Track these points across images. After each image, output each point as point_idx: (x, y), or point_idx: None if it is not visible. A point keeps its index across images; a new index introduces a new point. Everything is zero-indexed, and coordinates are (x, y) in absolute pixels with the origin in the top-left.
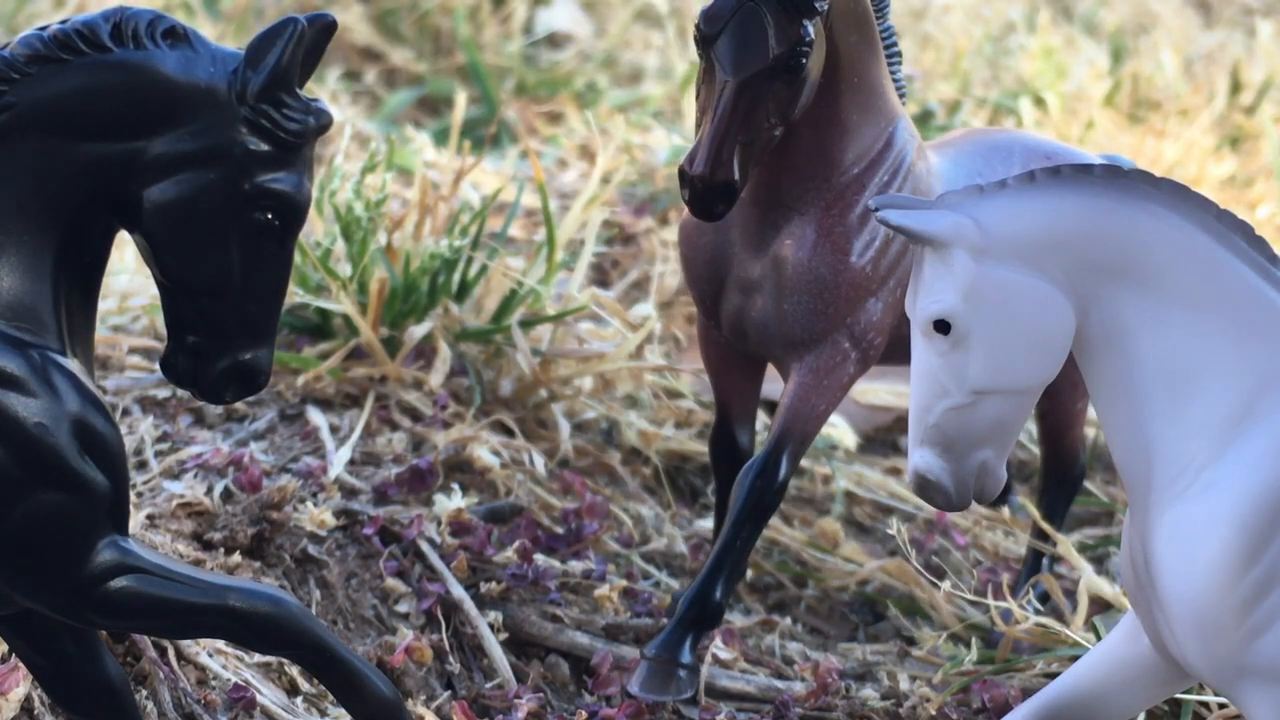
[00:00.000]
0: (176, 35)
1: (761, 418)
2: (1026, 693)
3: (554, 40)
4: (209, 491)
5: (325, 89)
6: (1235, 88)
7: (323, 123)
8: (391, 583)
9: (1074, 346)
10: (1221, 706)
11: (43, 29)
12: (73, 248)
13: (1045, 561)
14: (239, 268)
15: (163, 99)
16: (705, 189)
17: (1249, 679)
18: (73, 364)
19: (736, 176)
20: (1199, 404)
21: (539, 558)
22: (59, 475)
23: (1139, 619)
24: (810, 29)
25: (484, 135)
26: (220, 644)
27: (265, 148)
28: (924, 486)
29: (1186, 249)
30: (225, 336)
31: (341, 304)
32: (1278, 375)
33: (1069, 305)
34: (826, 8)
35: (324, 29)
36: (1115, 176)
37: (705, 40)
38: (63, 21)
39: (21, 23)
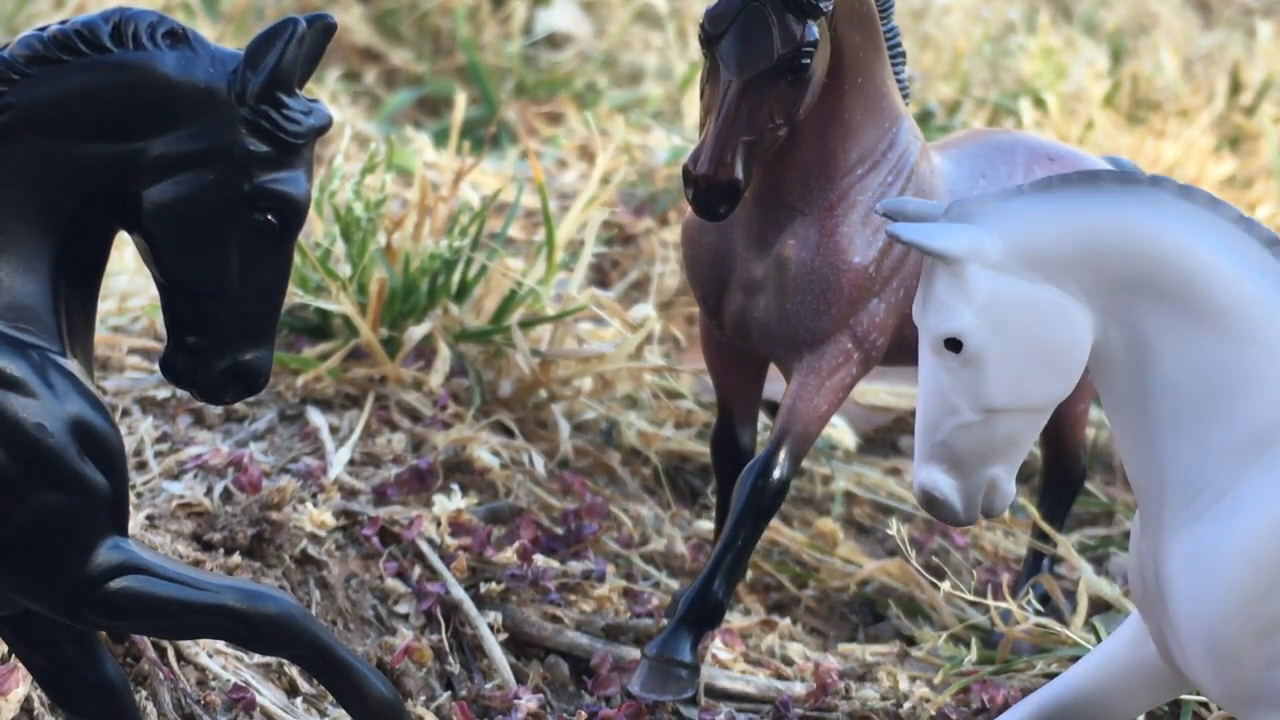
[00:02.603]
0: (176, 36)
1: (762, 418)
2: (1026, 693)
3: (554, 41)
4: (209, 492)
5: (325, 89)
6: (1235, 88)
7: (322, 123)
8: (391, 583)
9: (1089, 361)
10: (1222, 707)
11: (42, 30)
12: (72, 248)
13: (1045, 562)
14: (238, 268)
15: (162, 100)
16: (709, 189)
17: (1264, 706)
18: (72, 364)
19: (740, 176)
20: (1220, 423)
21: (539, 558)
22: (59, 476)
23: (1147, 628)
24: (814, 29)
25: (484, 136)
26: (220, 645)
27: (265, 148)
28: (931, 503)
29: (1213, 263)
30: (225, 337)
31: (341, 304)
32: None
33: (1087, 320)
34: (831, 8)
35: (323, 30)
36: (1142, 184)
37: (710, 40)
38: (62, 22)
39: (21, 23)
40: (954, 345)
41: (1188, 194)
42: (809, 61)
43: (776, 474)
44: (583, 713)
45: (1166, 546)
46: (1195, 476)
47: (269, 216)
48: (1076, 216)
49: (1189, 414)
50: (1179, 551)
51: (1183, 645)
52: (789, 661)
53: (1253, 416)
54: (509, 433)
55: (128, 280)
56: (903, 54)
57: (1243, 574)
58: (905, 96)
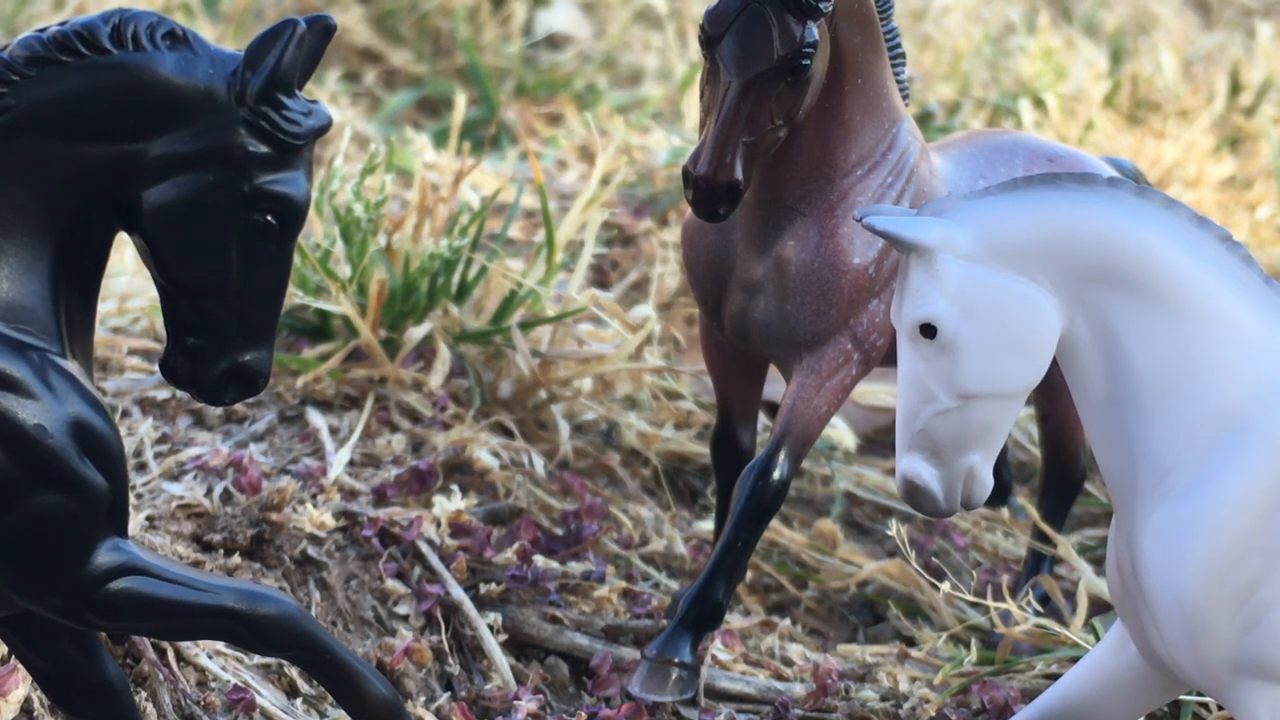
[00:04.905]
0: (175, 37)
1: (762, 418)
2: (1026, 694)
3: (553, 41)
4: (208, 493)
5: (325, 90)
6: (1235, 89)
7: (322, 124)
8: (391, 584)
9: (1058, 351)
10: (1221, 708)
11: (42, 31)
12: (72, 249)
13: (1045, 563)
14: (238, 269)
15: (162, 101)
16: (709, 190)
17: (1239, 678)
18: (72, 365)
19: (740, 177)
20: (1184, 406)
21: (538, 559)
22: (58, 477)
23: (1126, 627)
24: (814, 30)
25: (484, 136)
26: (219, 646)
27: (264, 149)
28: (912, 492)
29: (1170, 255)
30: (224, 338)
31: (341, 305)
32: (1259, 376)
33: (1055, 309)
34: (831, 8)
35: (323, 31)
36: (1100, 184)
37: (710, 41)
38: (62, 23)
39: (21, 24)
40: (929, 331)
41: (1144, 193)
42: (809, 62)
43: (776, 475)
44: (582, 713)
45: (1139, 529)
46: (1163, 459)
47: (269, 217)
48: (1040, 212)
49: (1154, 398)
50: (1150, 531)
51: (1158, 623)
52: (789, 662)
53: (1213, 398)
54: (509, 434)
55: (128, 281)
56: (903, 54)
57: (1210, 544)
58: (905, 97)
